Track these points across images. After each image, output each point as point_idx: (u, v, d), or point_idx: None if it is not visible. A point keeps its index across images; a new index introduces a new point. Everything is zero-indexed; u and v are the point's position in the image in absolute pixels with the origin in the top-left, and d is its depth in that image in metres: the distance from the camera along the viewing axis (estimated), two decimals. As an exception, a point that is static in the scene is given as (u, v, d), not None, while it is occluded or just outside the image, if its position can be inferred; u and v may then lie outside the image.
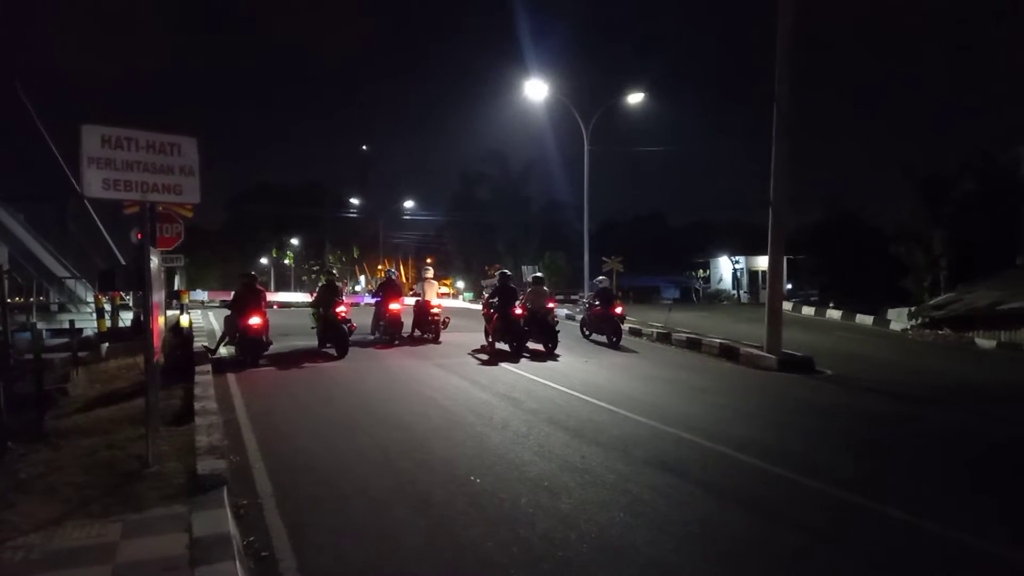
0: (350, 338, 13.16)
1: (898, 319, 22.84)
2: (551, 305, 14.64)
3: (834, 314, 26.14)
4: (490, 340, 13.98)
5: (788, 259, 27.63)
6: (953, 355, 16.54)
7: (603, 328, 15.92)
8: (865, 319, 24.05)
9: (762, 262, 38.72)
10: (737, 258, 44.74)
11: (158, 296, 7.51)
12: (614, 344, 15.34)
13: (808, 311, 28.11)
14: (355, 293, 46.42)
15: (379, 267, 49.16)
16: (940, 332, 19.97)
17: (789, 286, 36.70)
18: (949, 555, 4.46)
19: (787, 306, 25.67)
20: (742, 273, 44.66)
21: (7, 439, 6.63)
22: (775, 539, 4.64)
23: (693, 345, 15.10)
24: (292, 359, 12.42)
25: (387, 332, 15.23)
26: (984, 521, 5.02)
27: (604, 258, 30.87)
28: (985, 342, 17.82)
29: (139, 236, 10.76)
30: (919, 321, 21.55)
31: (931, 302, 22.36)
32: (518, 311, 13.69)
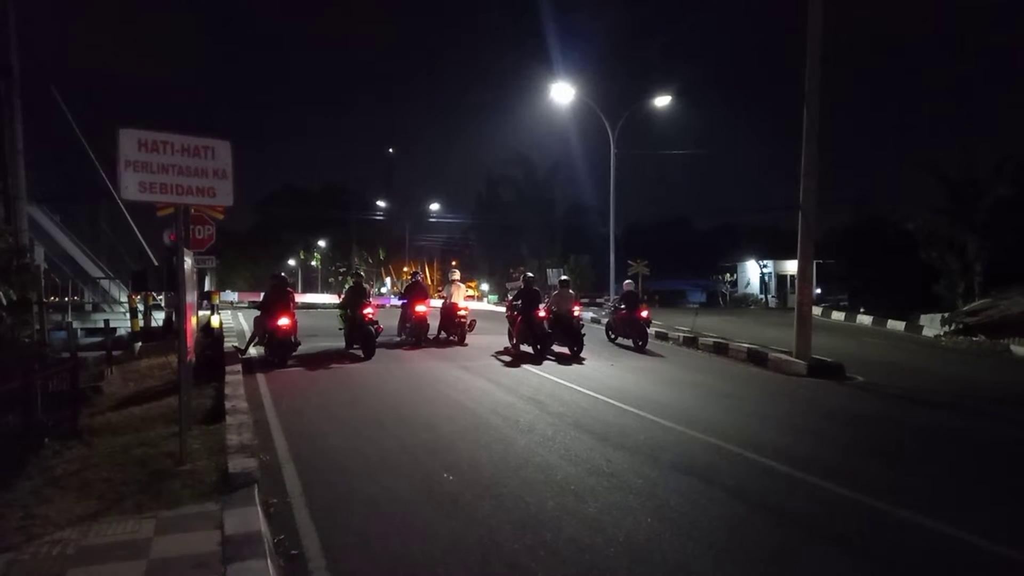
0: (377, 339, 13.25)
1: (931, 325, 22.40)
2: (576, 308, 14.61)
3: (865, 319, 25.73)
4: (514, 343, 13.99)
5: (817, 263, 27.22)
6: (987, 362, 16.17)
7: (629, 332, 15.85)
8: (897, 325, 23.63)
9: (790, 266, 38.24)
10: (765, 262, 44.18)
11: (191, 297, 7.62)
12: (640, 348, 15.26)
13: (838, 316, 27.69)
14: (381, 295, 46.76)
15: (405, 269, 49.47)
16: (974, 339, 19.53)
17: (818, 290, 36.13)
18: (980, 565, 4.38)
19: (816, 311, 25.31)
20: (770, 277, 44.10)
21: (43, 436, 6.78)
22: (804, 547, 4.58)
23: (720, 350, 14.97)
24: (320, 360, 12.54)
25: (413, 334, 15.31)
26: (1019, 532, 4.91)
27: (630, 261, 30.69)
28: (1021, 349, 17.38)
29: (172, 237, 10.97)
30: (952, 327, 21.10)
31: (965, 308, 21.88)
32: (541, 314, 13.68)
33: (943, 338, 20.71)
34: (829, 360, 12.65)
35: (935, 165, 26.11)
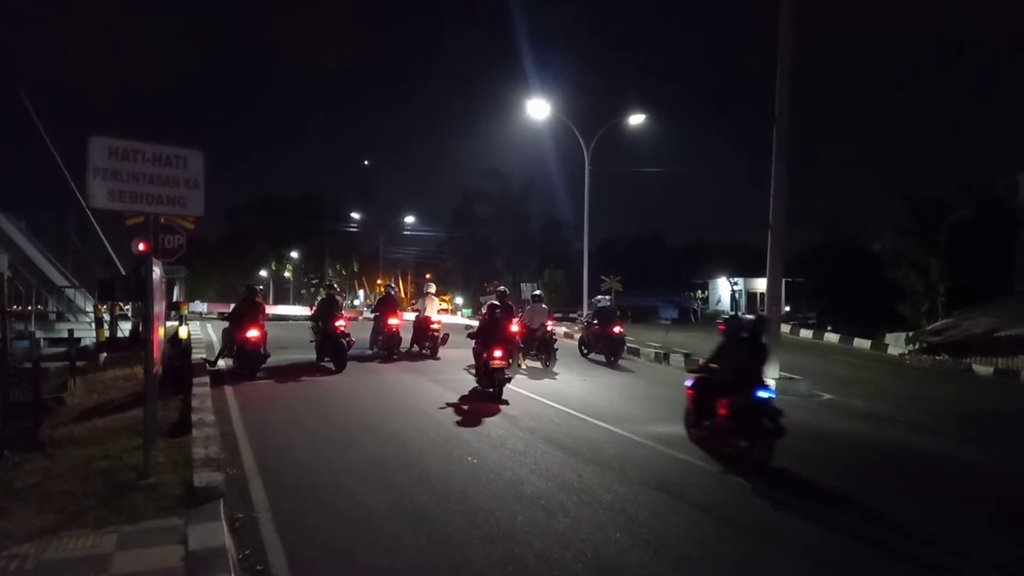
0: (348, 352, 13.14)
1: (896, 344, 22.86)
2: (550, 323, 14.65)
3: (832, 337, 26.16)
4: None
5: (786, 281, 27.59)
6: (951, 381, 16.53)
7: (601, 347, 15.93)
8: (863, 343, 24.08)
9: (760, 284, 38.75)
10: (735, 279, 44.88)
11: (159, 307, 7.52)
12: (612, 363, 15.34)
13: (806, 334, 28.12)
14: (354, 307, 46.41)
15: (378, 282, 49.22)
16: (937, 358, 19.97)
17: (787, 308, 36.65)
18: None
19: (785, 328, 25.68)
20: (740, 295, 44.78)
21: (3, 447, 6.62)
22: (772, 562, 4.63)
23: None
24: (290, 372, 12.40)
25: (385, 347, 15.22)
26: (985, 553, 5.02)
27: (603, 277, 30.89)
28: (982, 368, 17.83)
29: (140, 246, 10.81)
30: (916, 346, 21.57)
31: (928, 327, 22.37)
32: (514, 328, 13.69)
33: (908, 357, 21.14)
34: (797, 377, 12.84)
35: (901, 185, 26.68)
